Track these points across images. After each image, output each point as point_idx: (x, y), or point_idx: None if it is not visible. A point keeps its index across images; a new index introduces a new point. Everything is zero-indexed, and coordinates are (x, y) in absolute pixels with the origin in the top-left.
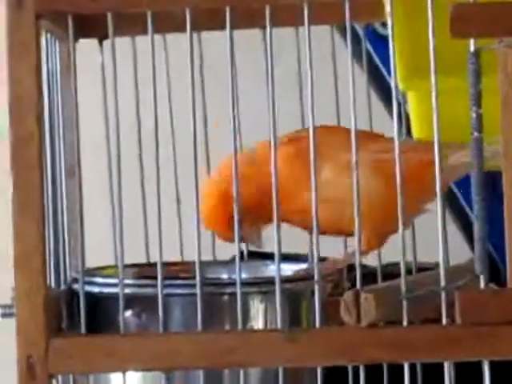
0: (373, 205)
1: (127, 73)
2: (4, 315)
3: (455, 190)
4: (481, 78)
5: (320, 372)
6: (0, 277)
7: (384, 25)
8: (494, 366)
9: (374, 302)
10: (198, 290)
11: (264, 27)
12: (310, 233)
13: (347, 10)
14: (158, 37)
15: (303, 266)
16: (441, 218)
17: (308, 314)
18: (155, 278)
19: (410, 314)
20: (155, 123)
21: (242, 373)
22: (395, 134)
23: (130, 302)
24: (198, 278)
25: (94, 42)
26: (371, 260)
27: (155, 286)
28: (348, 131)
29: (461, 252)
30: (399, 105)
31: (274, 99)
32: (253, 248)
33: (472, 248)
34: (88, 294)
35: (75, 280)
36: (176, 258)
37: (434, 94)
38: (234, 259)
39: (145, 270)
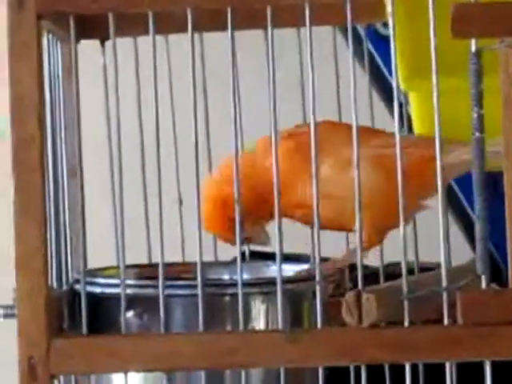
0: (373, 200)
1: (129, 73)
2: (5, 316)
3: (457, 190)
4: (482, 78)
5: (321, 372)
6: (1, 278)
7: (385, 25)
8: (495, 366)
9: (376, 302)
10: (199, 291)
11: (265, 28)
12: (311, 228)
13: (348, 10)
14: (159, 37)
15: (305, 266)
16: (442, 215)
17: (309, 314)
18: (157, 278)
19: (411, 314)
20: (156, 124)
21: (243, 373)
22: (396, 135)
23: (132, 302)
24: (199, 278)
25: (95, 42)
26: (373, 260)
27: (157, 286)
28: (349, 127)
29: (462, 252)
30: (400, 105)
31: (275, 100)
32: (258, 247)
33: (473, 248)
34: (90, 295)
35: (77, 280)
36: (178, 258)
37: (435, 94)
38: (235, 260)
39: (146, 271)
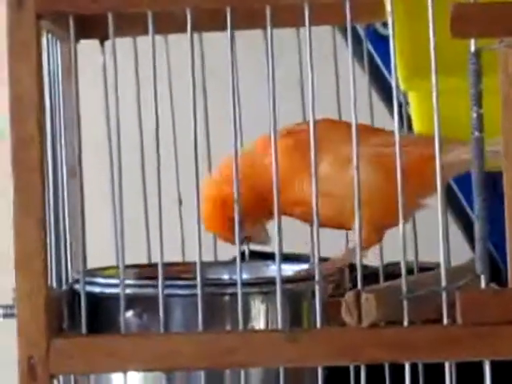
0: (372, 199)
1: (128, 73)
2: (5, 316)
3: (456, 189)
4: (481, 77)
5: (321, 372)
6: (1, 277)
7: (385, 25)
8: (494, 365)
9: (375, 302)
10: (198, 291)
11: (265, 28)
12: (311, 225)
13: (348, 10)
14: (159, 37)
15: (304, 266)
16: (441, 215)
17: (309, 314)
18: (156, 278)
19: (410, 314)
20: (156, 123)
21: (242, 373)
22: (396, 134)
23: (131, 302)
24: (198, 278)
25: (95, 42)
26: (372, 260)
27: (156, 286)
28: (349, 125)
29: (462, 252)
30: (400, 105)
31: (274, 99)
32: (258, 246)
33: (473, 248)
34: (89, 295)
35: (76, 280)
36: (177, 258)
37: (434, 94)
38: (235, 260)
39: (146, 271)
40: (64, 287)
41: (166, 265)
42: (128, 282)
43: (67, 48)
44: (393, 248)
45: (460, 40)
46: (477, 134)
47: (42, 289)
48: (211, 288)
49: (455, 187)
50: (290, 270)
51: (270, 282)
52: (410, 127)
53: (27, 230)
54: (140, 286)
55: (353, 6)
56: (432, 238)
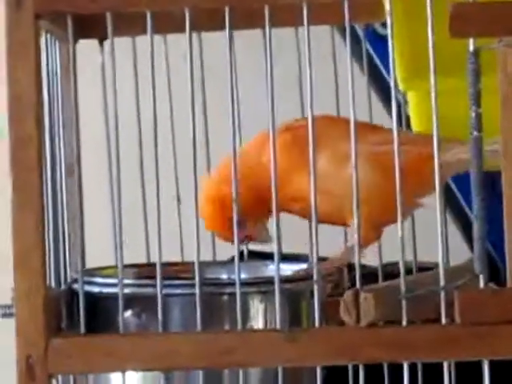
0: (370, 196)
1: (127, 73)
2: (4, 315)
3: (455, 189)
4: (480, 77)
5: (319, 372)
6: (0, 277)
7: (384, 25)
8: (493, 365)
9: (374, 301)
10: (197, 290)
11: (264, 27)
12: (309, 221)
13: (346, 10)
14: (158, 37)
15: (303, 266)
16: (440, 214)
17: (308, 313)
18: (155, 278)
19: (409, 313)
20: (154, 122)
21: (241, 373)
22: (394, 134)
23: (130, 301)
24: (197, 278)
25: (94, 42)
26: (371, 260)
27: (155, 285)
28: (348, 122)
29: (460, 252)
30: (399, 105)
31: (273, 99)
32: (259, 245)
33: (471, 248)
34: (88, 294)
35: (75, 280)
36: (176, 258)
37: (433, 94)
38: (233, 259)
39: (145, 270)
40: (62, 287)
41: (165, 264)
42: (126, 281)
43: (66, 48)
44: (392, 248)
45: (459, 40)
46: (475, 133)
47: (40, 288)
48: (210, 288)
49: (454, 187)
50: (288, 269)
51: (269, 281)
52: (408, 127)
53: (26, 230)
54: (138, 286)
55: (351, 6)
56: (431, 237)
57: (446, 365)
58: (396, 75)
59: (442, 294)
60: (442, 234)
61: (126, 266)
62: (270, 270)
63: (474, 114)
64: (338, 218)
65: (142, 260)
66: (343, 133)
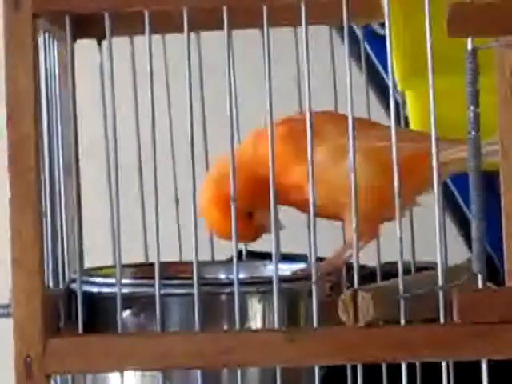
0: (367, 192)
1: (125, 73)
2: (2, 315)
3: (453, 189)
4: (478, 77)
5: (317, 372)
6: None
7: (382, 25)
8: (492, 365)
9: (372, 301)
10: (195, 290)
11: (262, 27)
12: (308, 213)
13: (345, 10)
14: (156, 36)
15: (301, 265)
16: (439, 214)
17: (306, 313)
18: (153, 277)
19: (407, 313)
20: (153, 122)
21: (239, 373)
22: (392, 134)
23: (128, 301)
24: (195, 277)
25: (92, 42)
26: (370, 260)
27: (153, 285)
28: (345, 118)
29: (459, 252)
30: (397, 105)
31: (271, 99)
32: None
33: (470, 247)
34: (86, 294)
35: (73, 280)
36: (174, 257)
37: (431, 93)
38: (232, 259)
39: (143, 270)
40: (61, 286)
41: (163, 264)
42: (125, 281)
43: (64, 47)
44: (390, 247)
45: (457, 39)
46: (473, 133)
47: (38, 288)
48: (208, 287)
49: (452, 187)
50: (287, 269)
51: (267, 281)
52: (406, 127)
53: (24, 229)
54: (137, 286)
55: (350, 6)
56: (429, 237)
57: (444, 364)
58: (394, 75)
59: (441, 294)
60: (440, 233)
61: (124, 266)
62: (269, 269)
63: (472, 114)
64: (333, 211)
65: (140, 260)
66: (342, 129)
